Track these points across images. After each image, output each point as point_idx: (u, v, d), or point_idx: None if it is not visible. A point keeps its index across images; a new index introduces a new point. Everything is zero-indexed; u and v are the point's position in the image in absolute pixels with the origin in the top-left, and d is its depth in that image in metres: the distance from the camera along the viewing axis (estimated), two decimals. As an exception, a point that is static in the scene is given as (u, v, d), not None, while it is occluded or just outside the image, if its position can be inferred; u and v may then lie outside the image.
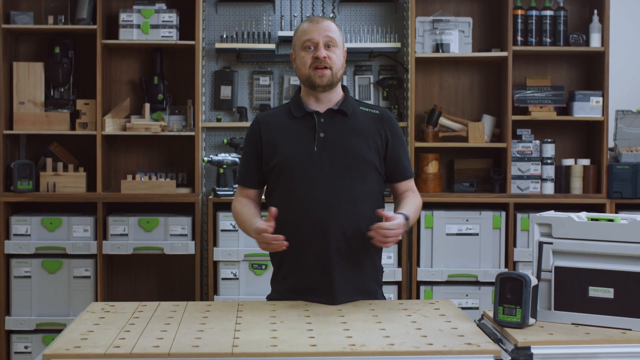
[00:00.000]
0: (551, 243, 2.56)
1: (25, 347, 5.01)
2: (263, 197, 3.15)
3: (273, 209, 2.83)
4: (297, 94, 3.10)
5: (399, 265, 5.03)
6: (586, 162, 5.18)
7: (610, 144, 5.26)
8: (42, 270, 5.00)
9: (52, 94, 5.17)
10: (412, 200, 3.05)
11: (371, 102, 5.38)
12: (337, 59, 2.99)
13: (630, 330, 2.44)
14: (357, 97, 5.37)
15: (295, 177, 2.95)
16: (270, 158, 3.01)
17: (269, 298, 3.09)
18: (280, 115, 3.08)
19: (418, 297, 5.04)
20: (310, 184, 2.93)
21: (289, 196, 2.96)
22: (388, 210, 2.85)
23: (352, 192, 2.94)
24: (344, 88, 3.10)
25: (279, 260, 3.05)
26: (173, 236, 5.03)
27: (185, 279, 5.33)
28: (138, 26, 5.06)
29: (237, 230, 4.95)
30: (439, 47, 5.13)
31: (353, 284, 2.95)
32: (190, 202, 5.06)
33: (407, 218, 2.88)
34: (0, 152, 5.01)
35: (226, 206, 5.09)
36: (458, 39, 5.16)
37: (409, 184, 3.12)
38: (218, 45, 5.28)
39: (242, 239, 4.95)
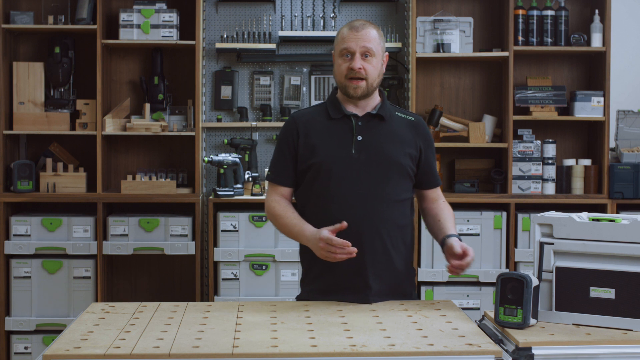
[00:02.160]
0: (552, 243, 2.56)
1: (25, 348, 5.00)
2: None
3: (345, 223, 2.81)
4: (334, 94, 3.09)
5: (400, 265, 5.02)
6: (587, 162, 5.17)
7: (612, 144, 5.25)
8: (42, 271, 5.00)
9: (52, 94, 5.17)
10: (450, 214, 3.11)
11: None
12: (373, 69, 2.97)
13: (632, 330, 2.44)
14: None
15: (332, 179, 2.96)
16: (307, 158, 3.00)
17: (299, 298, 3.10)
18: (317, 115, 3.07)
19: (419, 298, 5.03)
20: (347, 186, 2.95)
21: (324, 197, 2.96)
22: (450, 236, 2.94)
23: (387, 195, 2.96)
24: (380, 93, 3.09)
25: (310, 260, 3.03)
26: (173, 236, 5.02)
27: (186, 280, 5.33)
28: (138, 26, 5.06)
29: (237, 231, 4.95)
30: (439, 47, 5.13)
31: (388, 285, 2.97)
32: (190, 202, 5.06)
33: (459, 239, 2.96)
34: (0, 152, 5.01)
35: (226, 206, 5.09)
36: (459, 38, 5.16)
37: (438, 192, 3.16)
38: (218, 45, 5.28)
39: (243, 239, 4.95)
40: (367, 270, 2.93)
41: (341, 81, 2.99)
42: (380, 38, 3.01)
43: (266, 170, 5.18)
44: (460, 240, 2.94)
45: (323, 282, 2.99)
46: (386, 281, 2.97)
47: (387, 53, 3.06)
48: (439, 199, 3.15)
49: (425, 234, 5.03)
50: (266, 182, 5.08)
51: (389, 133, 3.02)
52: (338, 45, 3.00)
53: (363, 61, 2.95)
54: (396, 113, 3.08)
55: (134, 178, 5.07)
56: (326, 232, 2.80)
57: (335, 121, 3.02)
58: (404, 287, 3.05)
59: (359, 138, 2.98)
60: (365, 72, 2.95)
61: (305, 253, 3.04)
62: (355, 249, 2.78)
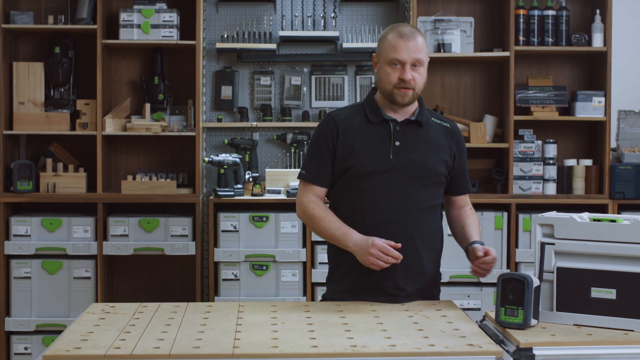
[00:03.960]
0: (553, 244, 2.56)
1: (25, 348, 5.00)
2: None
3: (399, 245, 2.86)
4: (372, 95, 3.08)
5: (401, 265, 5.02)
6: (588, 162, 5.16)
7: (613, 144, 5.25)
8: (42, 271, 4.99)
9: (52, 94, 5.16)
10: (476, 222, 3.15)
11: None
12: (420, 79, 2.96)
13: (633, 331, 2.43)
14: (358, 98, 5.37)
15: (368, 182, 2.96)
16: (345, 160, 2.99)
17: (325, 298, 3.11)
18: (355, 116, 3.05)
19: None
20: (382, 190, 2.95)
21: (359, 200, 2.97)
22: (475, 242, 3.00)
23: (421, 202, 2.98)
24: (418, 98, 3.07)
25: (339, 260, 3.04)
26: (173, 237, 5.02)
27: (186, 280, 5.32)
28: (138, 26, 5.05)
29: (237, 231, 4.94)
30: (440, 47, 5.12)
31: (417, 289, 2.99)
32: (190, 202, 5.05)
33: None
34: (0, 153, 5.00)
35: (227, 207, 5.08)
36: (460, 38, 5.15)
37: (467, 199, 3.20)
38: (219, 45, 5.28)
39: (243, 239, 4.94)
40: (397, 274, 2.93)
41: (388, 89, 2.96)
42: (426, 46, 2.99)
43: (266, 170, 5.18)
44: (482, 244, 2.99)
45: (351, 282, 3.00)
46: (416, 285, 2.99)
47: (428, 59, 3.03)
48: (466, 206, 3.18)
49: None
50: (266, 182, 5.11)
51: (426, 140, 3.02)
52: (386, 52, 2.96)
53: (413, 71, 2.94)
54: (432, 119, 3.08)
55: (134, 178, 5.07)
56: (381, 240, 2.85)
57: (373, 125, 3.01)
58: (432, 291, 3.08)
59: (397, 144, 2.98)
60: (414, 82, 2.94)
61: (335, 253, 3.05)
62: (401, 256, 2.84)
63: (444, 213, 3.19)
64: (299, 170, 3.10)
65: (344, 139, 2.99)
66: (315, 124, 5.15)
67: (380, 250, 2.82)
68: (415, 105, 3.05)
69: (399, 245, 2.85)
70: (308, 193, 3.04)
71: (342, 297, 3.00)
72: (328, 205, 3.09)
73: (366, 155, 2.97)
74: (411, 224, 2.96)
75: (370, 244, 2.85)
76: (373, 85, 3.11)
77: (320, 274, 4.88)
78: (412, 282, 2.97)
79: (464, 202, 3.18)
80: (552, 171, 5.12)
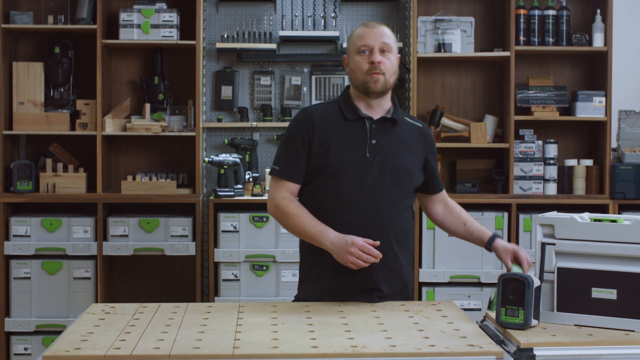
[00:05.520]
0: (554, 244, 2.56)
1: (25, 349, 4.99)
2: None
3: (378, 242, 2.84)
4: (347, 94, 3.07)
5: (401, 266, 5.01)
6: (589, 162, 5.16)
7: (613, 144, 5.24)
8: (42, 272, 4.99)
9: (52, 94, 5.16)
10: (467, 214, 3.18)
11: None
12: (390, 65, 2.98)
13: (634, 331, 2.43)
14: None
15: (345, 181, 2.94)
16: (321, 157, 2.96)
17: (297, 298, 3.08)
18: (331, 113, 3.03)
19: (420, 299, 5.03)
20: (359, 189, 2.94)
21: (335, 199, 2.95)
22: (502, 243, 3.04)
23: (397, 201, 2.99)
24: (392, 97, 3.08)
25: (314, 259, 3.02)
26: (173, 237, 5.01)
27: (186, 280, 5.32)
28: (138, 26, 5.05)
29: (237, 231, 4.94)
30: (441, 47, 5.12)
31: (395, 289, 2.99)
32: (190, 202, 5.05)
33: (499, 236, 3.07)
34: (0, 153, 5.00)
35: (227, 207, 5.08)
36: (460, 38, 5.15)
37: (443, 195, 3.20)
38: (219, 45, 5.27)
39: (243, 239, 4.94)
40: (376, 273, 2.92)
41: (361, 77, 2.97)
42: (394, 37, 3.04)
43: (267, 170, 5.17)
44: (501, 237, 3.06)
45: (328, 282, 2.98)
46: (393, 286, 2.98)
47: (399, 55, 3.06)
48: (448, 199, 3.20)
49: (426, 235, 5.02)
50: (267, 183, 5.10)
51: (401, 138, 3.02)
52: (354, 43, 3.00)
53: (381, 56, 2.96)
54: (405, 118, 3.09)
55: (134, 178, 5.06)
56: (360, 239, 2.82)
57: (349, 122, 3.00)
58: (408, 291, 3.08)
59: (373, 142, 2.97)
60: (384, 66, 2.95)
61: (310, 252, 3.01)
62: (380, 255, 2.81)
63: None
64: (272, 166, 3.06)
65: (320, 135, 2.97)
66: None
67: (361, 249, 2.79)
68: (389, 103, 3.05)
69: (378, 243, 2.83)
70: (281, 189, 2.99)
71: (318, 297, 2.96)
72: (302, 203, 3.05)
73: (342, 153, 2.95)
74: (387, 223, 2.94)
75: (349, 243, 2.81)
76: (347, 84, 3.11)
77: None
78: (390, 282, 2.97)
79: (444, 196, 3.19)
80: (552, 171, 5.11)
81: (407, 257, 3.05)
